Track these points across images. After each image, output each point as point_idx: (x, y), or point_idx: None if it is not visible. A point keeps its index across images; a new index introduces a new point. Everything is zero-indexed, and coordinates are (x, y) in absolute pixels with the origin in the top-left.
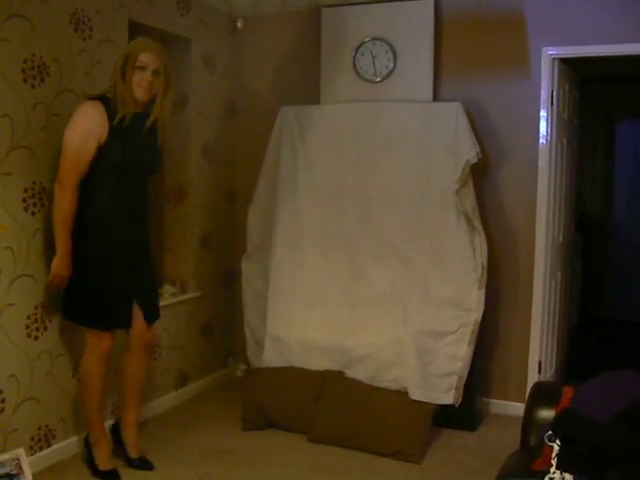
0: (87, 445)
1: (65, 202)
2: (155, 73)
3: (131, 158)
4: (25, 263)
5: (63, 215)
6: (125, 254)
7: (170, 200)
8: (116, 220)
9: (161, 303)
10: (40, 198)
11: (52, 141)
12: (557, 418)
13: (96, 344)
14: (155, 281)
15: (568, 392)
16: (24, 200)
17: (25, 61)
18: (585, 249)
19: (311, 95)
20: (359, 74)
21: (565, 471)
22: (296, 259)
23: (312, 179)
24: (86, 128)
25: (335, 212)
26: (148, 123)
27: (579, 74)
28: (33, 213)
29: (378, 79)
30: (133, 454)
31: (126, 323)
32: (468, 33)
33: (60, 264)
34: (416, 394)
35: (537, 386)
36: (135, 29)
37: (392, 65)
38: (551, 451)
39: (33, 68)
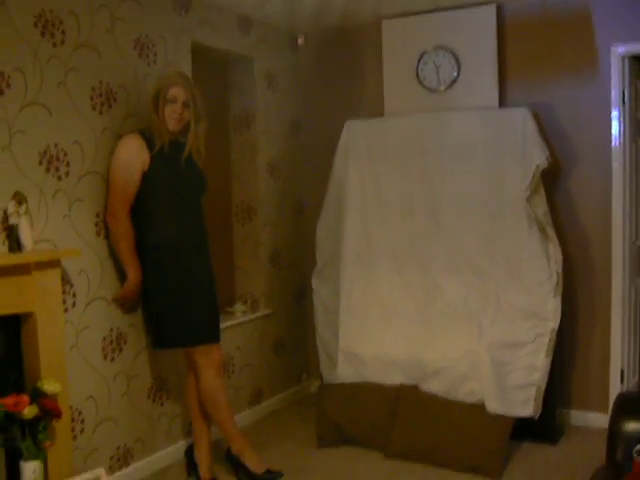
0: (190, 457)
1: (120, 229)
2: (185, 105)
3: (178, 179)
4: (99, 286)
5: (121, 241)
6: (197, 273)
7: (239, 219)
8: (177, 242)
9: (233, 322)
10: None
11: None
12: None
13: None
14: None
15: None
16: (96, 224)
17: (93, 89)
18: None
19: (375, 108)
20: (423, 84)
21: None
22: (367, 274)
23: (380, 192)
24: (128, 158)
25: (405, 225)
26: (186, 151)
27: None
28: (105, 237)
29: (442, 88)
30: (205, 476)
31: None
32: (533, 36)
33: (133, 286)
34: (493, 407)
35: (622, 397)
36: (198, 51)
37: (456, 73)
38: None
39: (101, 95)
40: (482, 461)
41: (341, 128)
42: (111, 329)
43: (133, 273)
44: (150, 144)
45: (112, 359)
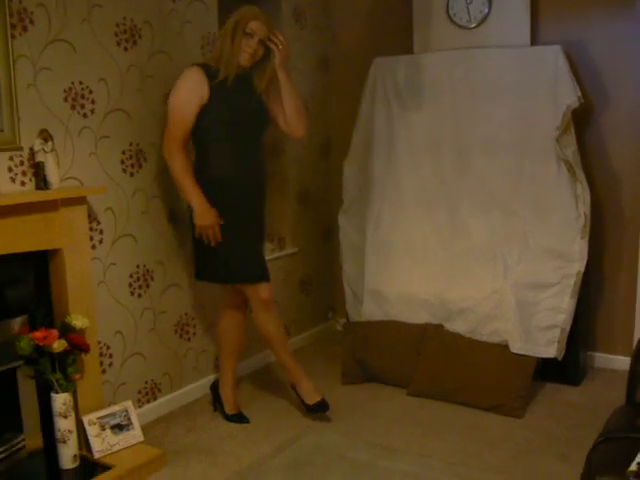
0: (215, 392)
1: (178, 160)
2: (260, 42)
3: (238, 114)
4: (126, 223)
5: (181, 172)
6: (252, 208)
7: (266, 157)
8: (235, 177)
9: None
10: (137, 159)
11: (147, 102)
12: None
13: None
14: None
15: None
16: (122, 162)
17: (117, 25)
18: None
19: (404, 45)
20: (453, 20)
21: None
22: (394, 212)
23: (408, 131)
24: (186, 88)
25: (433, 164)
26: (262, 84)
27: None
28: (131, 174)
29: (473, 25)
30: (230, 410)
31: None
32: None
33: (202, 213)
34: (517, 347)
35: None
36: None
37: (487, 9)
38: None
39: (125, 32)
40: (505, 400)
41: (369, 65)
42: (137, 266)
43: (200, 207)
44: (212, 78)
45: (139, 295)
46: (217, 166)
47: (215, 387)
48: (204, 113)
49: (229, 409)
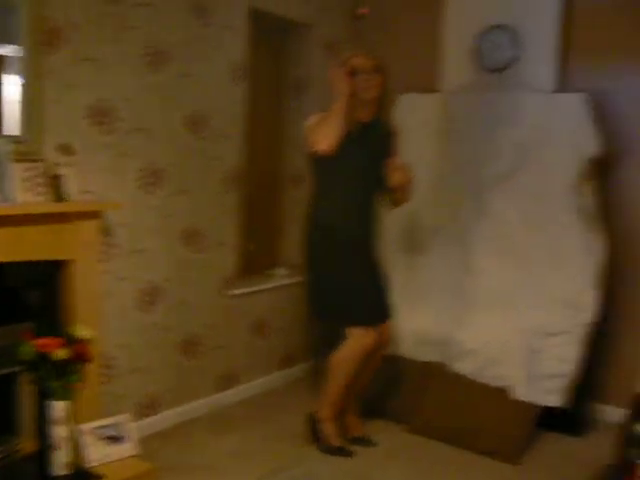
0: (313, 423)
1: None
2: (376, 71)
3: (362, 163)
4: (138, 239)
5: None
6: (364, 251)
7: (288, 183)
8: (345, 221)
9: (271, 285)
10: (155, 178)
11: (167, 122)
12: None
13: (362, 339)
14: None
15: None
16: (138, 179)
17: (145, 47)
18: None
19: (431, 84)
20: (481, 63)
21: None
22: (410, 253)
23: (428, 168)
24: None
25: (451, 203)
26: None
27: None
28: (148, 192)
29: (500, 67)
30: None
31: (386, 316)
32: (603, 15)
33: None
34: (520, 393)
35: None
36: (256, 16)
37: (515, 53)
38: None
39: (151, 54)
40: (502, 446)
41: (396, 101)
42: (147, 282)
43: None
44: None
45: (147, 311)
46: (334, 212)
47: (313, 420)
48: (335, 159)
49: (333, 441)
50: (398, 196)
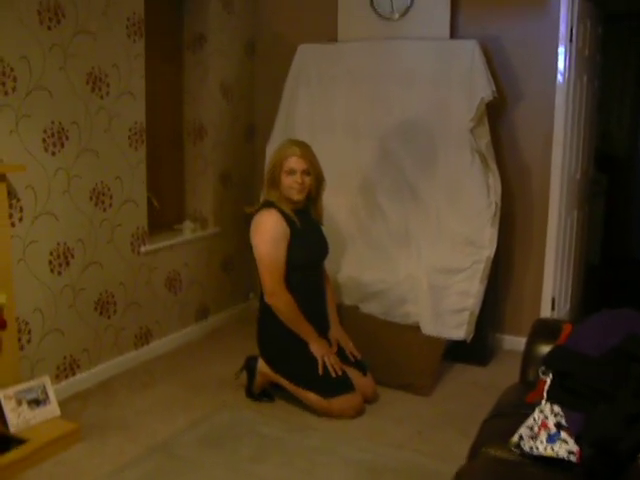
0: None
1: (286, 304)
2: (304, 173)
3: (311, 253)
4: (46, 201)
5: (292, 314)
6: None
7: (190, 138)
8: (302, 308)
9: (182, 239)
10: (59, 138)
11: (70, 81)
12: (549, 353)
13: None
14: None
15: (567, 329)
16: (44, 140)
17: (40, 3)
18: (610, 188)
19: (329, 33)
20: (376, 11)
21: (555, 403)
22: None
23: (329, 117)
24: (275, 237)
25: (351, 149)
26: (320, 219)
27: (604, 10)
28: (53, 153)
29: (396, 16)
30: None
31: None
32: None
33: (319, 347)
34: (428, 329)
35: (539, 322)
36: None
37: (409, 2)
38: (544, 384)
39: (49, 10)
40: (414, 379)
41: (294, 52)
42: (58, 243)
43: (318, 345)
44: (285, 218)
45: (59, 273)
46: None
47: (253, 361)
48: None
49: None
50: None
